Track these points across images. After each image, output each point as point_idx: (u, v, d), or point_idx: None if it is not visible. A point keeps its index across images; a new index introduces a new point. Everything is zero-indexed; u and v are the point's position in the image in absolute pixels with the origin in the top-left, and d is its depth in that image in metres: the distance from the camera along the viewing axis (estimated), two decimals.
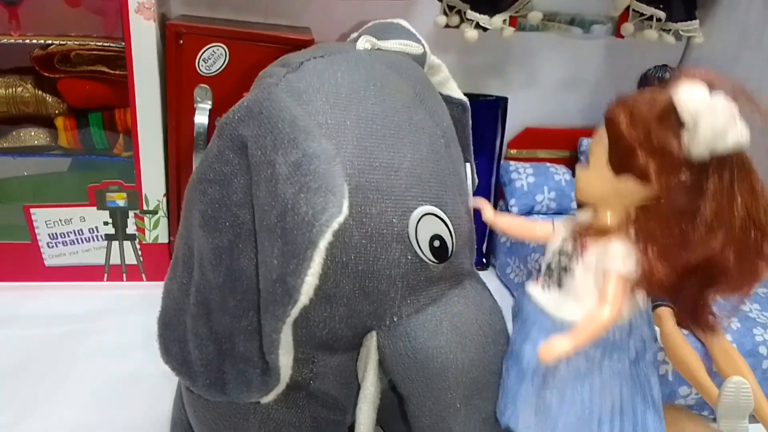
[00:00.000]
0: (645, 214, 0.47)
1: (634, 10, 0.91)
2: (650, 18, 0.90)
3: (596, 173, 0.49)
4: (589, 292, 0.49)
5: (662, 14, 0.89)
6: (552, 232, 0.54)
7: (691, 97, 0.44)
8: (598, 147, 0.49)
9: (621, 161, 0.47)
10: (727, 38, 0.94)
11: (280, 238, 0.41)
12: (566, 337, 0.46)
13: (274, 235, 0.42)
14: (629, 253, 0.47)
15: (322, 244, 0.39)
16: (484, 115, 0.94)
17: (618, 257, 0.47)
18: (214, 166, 0.46)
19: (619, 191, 0.48)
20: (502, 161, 0.99)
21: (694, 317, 0.50)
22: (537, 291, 0.53)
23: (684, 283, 0.47)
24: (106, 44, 0.75)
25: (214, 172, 0.46)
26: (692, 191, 0.45)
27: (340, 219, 0.39)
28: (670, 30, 0.91)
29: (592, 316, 0.47)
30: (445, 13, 0.88)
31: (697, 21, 0.91)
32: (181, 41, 0.74)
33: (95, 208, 0.79)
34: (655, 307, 0.69)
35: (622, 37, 0.94)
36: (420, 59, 0.59)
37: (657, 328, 0.66)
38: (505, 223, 0.59)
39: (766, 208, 0.45)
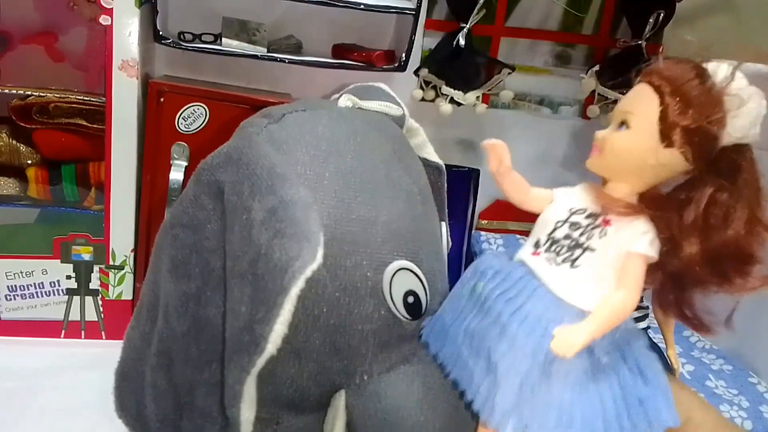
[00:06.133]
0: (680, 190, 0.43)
1: (599, 94, 0.95)
2: (615, 102, 0.94)
3: (640, 139, 0.43)
4: (609, 274, 0.43)
5: None
6: (548, 203, 0.50)
7: (742, 80, 0.42)
8: (641, 109, 0.43)
9: (681, 135, 0.42)
10: None
11: (250, 284, 0.40)
12: (582, 327, 0.40)
13: (245, 281, 0.41)
14: (654, 234, 0.42)
15: (294, 291, 0.38)
16: (457, 185, 0.96)
17: (645, 238, 0.42)
18: (188, 211, 0.46)
19: (660, 162, 0.43)
20: (473, 231, 1.00)
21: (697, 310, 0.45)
22: (540, 265, 0.46)
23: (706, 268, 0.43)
24: (86, 98, 0.75)
25: (188, 216, 0.46)
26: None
27: (314, 266, 0.38)
28: None
29: (611, 302, 0.42)
30: (421, 88, 0.91)
31: None
32: (162, 99, 0.75)
33: (59, 260, 0.77)
34: None
35: (589, 118, 0.98)
36: (399, 121, 0.60)
37: None
38: (512, 181, 0.53)
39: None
